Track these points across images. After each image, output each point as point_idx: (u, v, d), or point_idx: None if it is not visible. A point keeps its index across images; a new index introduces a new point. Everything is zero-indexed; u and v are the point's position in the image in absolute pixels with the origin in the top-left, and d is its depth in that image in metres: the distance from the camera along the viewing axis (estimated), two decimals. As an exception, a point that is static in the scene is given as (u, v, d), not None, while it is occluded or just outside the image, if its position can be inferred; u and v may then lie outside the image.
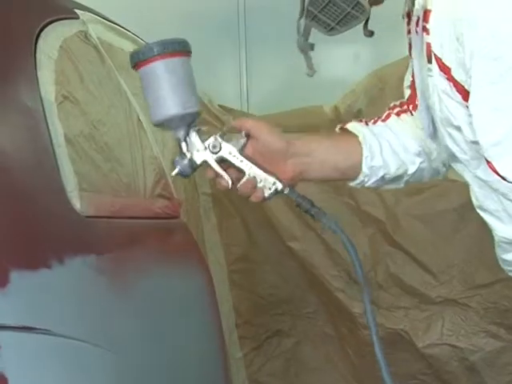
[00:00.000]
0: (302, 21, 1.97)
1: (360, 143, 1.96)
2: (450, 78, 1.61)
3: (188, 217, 2.81)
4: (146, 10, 4.79)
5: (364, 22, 1.92)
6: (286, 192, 1.93)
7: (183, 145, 1.99)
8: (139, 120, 2.60)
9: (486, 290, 3.05)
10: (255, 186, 1.94)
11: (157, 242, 2.46)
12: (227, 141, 1.99)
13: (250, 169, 1.96)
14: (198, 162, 1.99)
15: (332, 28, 1.91)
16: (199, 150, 1.98)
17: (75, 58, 2.28)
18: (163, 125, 2.01)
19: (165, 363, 2.19)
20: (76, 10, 2.48)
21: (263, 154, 1.96)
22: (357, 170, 1.97)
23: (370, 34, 2.01)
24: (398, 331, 3.15)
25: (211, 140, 1.99)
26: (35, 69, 2.05)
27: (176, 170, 2.00)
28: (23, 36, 2.11)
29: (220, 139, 1.99)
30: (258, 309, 3.46)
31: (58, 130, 2.00)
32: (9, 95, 1.96)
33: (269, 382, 3.47)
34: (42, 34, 2.15)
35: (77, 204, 1.96)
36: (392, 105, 2.09)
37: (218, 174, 1.99)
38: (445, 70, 1.63)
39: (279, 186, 1.93)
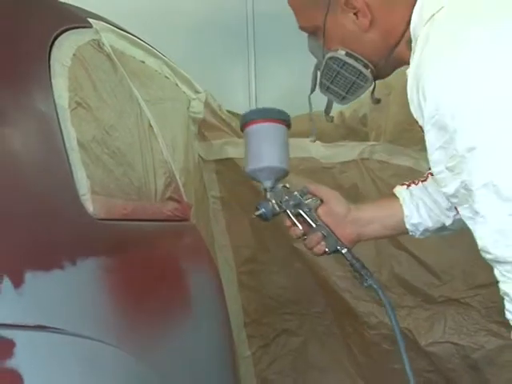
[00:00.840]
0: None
1: (401, 205, 2.26)
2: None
3: (198, 219, 2.82)
4: (159, 20, 4.80)
5: (372, 90, 2.13)
6: (343, 252, 2.24)
7: (269, 194, 2.24)
8: (150, 126, 2.60)
9: (487, 290, 3.05)
10: (319, 242, 2.23)
11: (167, 243, 2.46)
12: (304, 199, 2.26)
13: (319, 226, 2.24)
14: (279, 210, 2.25)
15: (344, 97, 2.11)
16: (282, 202, 2.24)
17: (88, 65, 2.29)
18: (255, 173, 2.25)
19: (176, 361, 2.19)
20: (89, 19, 2.49)
21: (329, 217, 2.25)
22: (403, 227, 2.27)
23: (377, 101, 2.23)
24: (402, 329, 3.14)
25: (293, 196, 2.25)
26: (49, 76, 2.06)
27: (259, 212, 2.26)
28: (38, 44, 2.12)
29: (300, 197, 2.25)
30: (266, 309, 3.46)
31: (71, 135, 2.01)
32: (24, 101, 1.97)
33: (276, 380, 3.47)
34: (56, 42, 2.16)
35: (89, 207, 1.97)
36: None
37: (293, 224, 2.27)
38: (421, 128, 1.77)
39: (339, 246, 2.24)
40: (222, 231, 3.43)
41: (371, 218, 2.27)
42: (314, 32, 2.04)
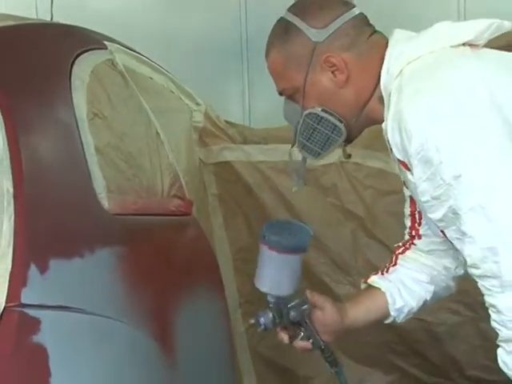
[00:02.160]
0: (294, 149, 2.07)
1: (384, 293, 2.10)
2: (407, 168, 1.76)
3: (198, 214, 2.81)
4: (165, 42, 4.80)
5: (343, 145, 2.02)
6: (323, 347, 2.11)
7: (271, 307, 2.06)
8: (157, 133, 2.60)
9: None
10: (307, 345, 2.11)
11: (172, 235, 2.46)
12: (302, 308, 2.07)
13: (308, 332, 2.07)
14: (278, 322, 2.06)
15: (319, 154, 1.98)
16: (283, 314, 2.05)
17: (104, 81, 2.29)
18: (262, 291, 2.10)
19: (180, 336, 2.20)
20: (105, 42, 2.49)
21: (323, 326, 2.09)
22: (387, 313, 2.12)
23: (348, 156, 2.10)
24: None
25: (295, 308, 2.05)
26: (70, 91, 2.06)
27: (259, 323, 2.08)
28: (61, 63, 2.12)
29: (301, 309, 2.07)
30: (257, 291, 3.46)
31: (89, 142, 2.01)
32: (48, 113, 1.97)
33: (266, 352, 3.46)
34: (76, 61, 2.16)
35: (105, 203, 1.97)
36: (396, 246, 2.21)
37: (284, 330, 2.10)
38: (406, 167, 1.75)
39: (322, 345, 2.10)
40: (219, 224, 3.42)
41: (360, 322, 2.16)
42: (292, 94, 1.94)
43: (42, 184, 1.77)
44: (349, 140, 1.97)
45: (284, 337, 2.08)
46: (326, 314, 2.08)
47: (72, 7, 4.77)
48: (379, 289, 2.11)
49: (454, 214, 1.66)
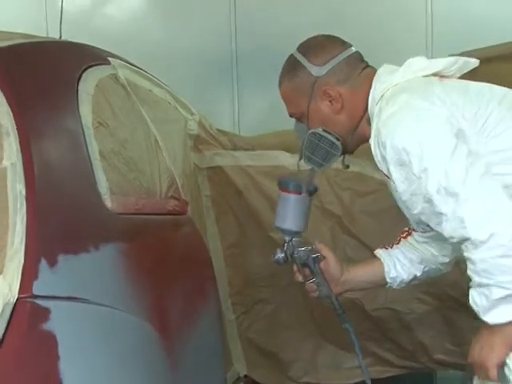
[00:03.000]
0: (302, 162, 2.27)
1: (382, 263, 2.32)
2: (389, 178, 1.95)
3: (193, 213, 2.82)
4: (163, 58, 4.79)
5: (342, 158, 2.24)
6: (332, 298, 2.26)
7: (286, 245, 2.27)
8: (156, 140, 2.60)
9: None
10: (316, 288, 2.29)
11: (169, 232, 2.46)
12: (311, 254, 2.28)
13: (318, 276, 2.26)
14: (290, 259, 2.28)
15: (321, 165, 2.20)
16: (293, 253, 2.26)
17: (107, 94, 2.29)
18: (279, 228, 2.30)
19: (178, 324, 2.19)
20: (109, 58, 2.49)
21: (327, 273, 2.28)
22: (383, 280, 2.34)
23: (346, 166, 2.33)
24: (353, 299, 3.15)
25: (303, 250, 2.26)
26: (77, 102, 2.06)
27: (274, 258, 2.30)
28: (69, 77, 2.12)
29: (309, 253, 2.27)
30: (246, 283, 3.46)
31: (94, 148, 2.01)
32: (57, 121, 1.97)
33: (255, 338, 3.47)
34: (83, 76, 2.16)
35: (109, 204, 1.97)
36: (402, 231, 2.38)
37: (298, 271, 2.31)
38: (387, 176, 1.95)
39: (330, 293, 2.27)
40: (212, 222, 3.42)
41: (359, 279, 2.34)
42: (300, 117, 2.17)
43: (52, 186, 1.76)
44: (346, 152, 2.20)
45: (299, 277, 2.29)
46: (329, 262, 2.26)
47: (79, 26, 4.76)
48: (379, 259, 2.31)
49: (428, 202, 1.82)
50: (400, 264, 2.29)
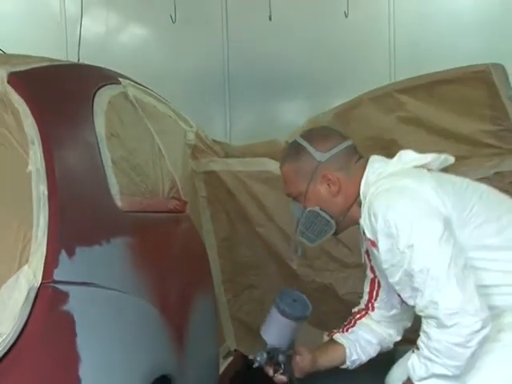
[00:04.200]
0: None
1: (344, 348, 2.16)
2: (374, 245, 1.88)
3: (191, 212, 2.81)
4: (166, 78, 4.77)
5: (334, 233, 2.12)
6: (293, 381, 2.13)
7: (264, 353, 2.09)
8: (159, 149, 2.60)
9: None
10: (286, 379, 2.11)
11: (170, 228, 2.46)
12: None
13: (288, 371, 2.10)
14: (269, 362, 2.10)
15: (314, 240, 2.10)
16: (273, 358, 2.09)
17: (118, 109, 2.29)
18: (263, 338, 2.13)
19: (177, 305, 2.20)
20: (119, 78, 2.49)
21: (300, 366, 2.13)
22: (343, 363, 2.17)
23: (338, 241, 2.34)
24: (327, 284, 3.14)
25: (282, 354, 2.10)
26: (92, 116, 2.06)
27: (257, 361, 2.10)
28: (85, 95, 2.12)
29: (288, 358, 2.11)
30: (236, 271, 3.45)
31: (106, 155, 2.02)
32: (75, 132, 1.98)
33: (244, 318, 3.44)
34: (97, 93, 2.17)
35: (118, 203, 1.98)
36: (354, 312, 2.28)
37: (273, 369, 2.11)
38: (372, 243, 1.88)
39: (294, 380, 2.12)
40: (207, 220, 3.41)
41: (322, 366, 2.19)
42: (297, 196, 2.06)
43: (70, 188, 1.77)
44: (336, 233, 2.10)
45: (269, 371, 2.12)
46: (303, 359, 2.14)
47: (95, 51, 4.77)
48: (341, 344, 2.17)
49: (408, 275, 1.77)
50: (360, 348, 2.17)
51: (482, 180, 3.10)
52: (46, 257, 1.54)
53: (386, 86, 3.49)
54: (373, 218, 1.82)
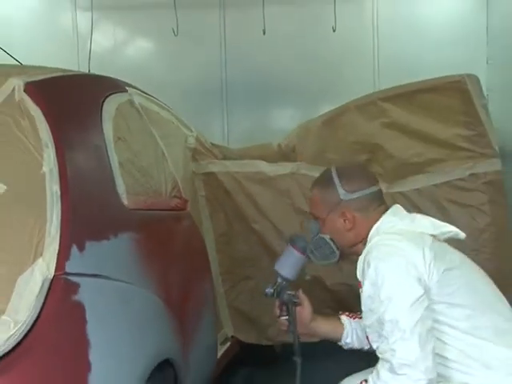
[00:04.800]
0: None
1: (343, 329, 2.19)
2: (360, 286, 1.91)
3: (192, 210, 2.82)
4: (168, 86, 4.77)
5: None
6: (295, 335, 2.15)
7: (277, 284, 2.14)
8: (162, 152, 2.60)
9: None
10: (287, 324, 2.15)
11: (173, 224, 2.46)
12: (293, 298, 2.16)
13: (291, 316, 2.14)
14: (276, 296, 2.14)
15: (318, 260, 2.09)
16: (280, 293, 2.14)
17: (125, 115, 2.30)
18: (277, 273, 2.17)
19: (180, 296, 2.20)
20: (126, 87, 2.50)
21: (299, 317, 2.14)
22: (339, 340, 2.20)
23: (340, 267, 2.33)
24: (316, 277, 3.14)
25: (288, 294, 2.15)
26: (101, 121, 2.07)
27: (265, 291, 2.15)
28: (95, 102, 2.13)
29: (291, 297, 2.15)
30: (233, 264, 3.44)
31: (114, 158, 2.02)
32: (85, 136, 1.98)
33: (240, 306, 3.42)
34: (106, 101, 2.17)
35: (125, 201, 1.98)
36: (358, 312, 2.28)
37: (279, 306, 2.16)
38: (360, 285, 1.90)
39: (296, 331, 2.14)
40: (206, 217, 3.40)
41: (320, 331, 2.20)
42: (317, 218, 2.06)
43: (81, 188, 1.77)
44: (338, 260, 2.10)
45: (276, 312, 2.16)
46: (304, 308, 2.15)
47: (104, 63, 4.77)
48: (343, 324, 2.20)
49: (379, 322, 1.79)
50: (356, 336, 2.19)
51: (457, 181, 3.18)
52: (59, 251, 1.55)
53: (371, 94, 3.51)
54: (366, 265, 1.84)
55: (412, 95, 3.24)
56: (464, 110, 3.13)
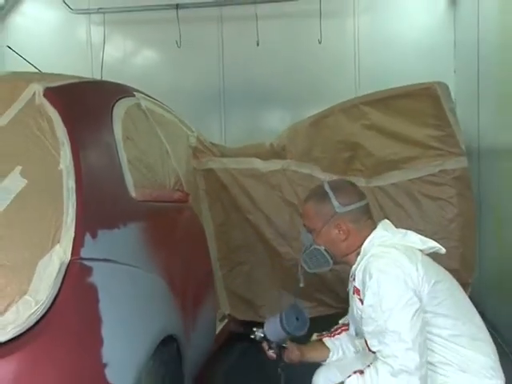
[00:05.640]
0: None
1: (329, 350, 2.17)
2: (361, 298, 1.83)
3: (193, 202, 2.82)
4: (171, 92, 4.75)
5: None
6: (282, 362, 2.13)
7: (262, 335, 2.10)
8: (166, 150, 2.60)
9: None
10: (274, 356, 2.12)
11: (176, 215, 2.46)
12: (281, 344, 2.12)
13: (280, 356, 2.11)
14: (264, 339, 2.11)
15: (312, 269, 2.05)
16: (270, 341, 2.11)
17: (133, 117, 2.29)
18: (266, 331, 2.11)
19: (182, 279, 2.20)
20: (134, 92, 2.49)
21: (287, 356, 2.13)
22: (327, 359, 2.16)
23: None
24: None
25: (276, 345, 2.11)
26: (112, 123, 2.06)
27: (255, 335, 2.11)
28: (106, 106, 2.13)
29: (279, 349, 2.12)
30: (230, 250, 3.45)
31: (123, 155, 2.02)
32: (98, 136, 1.98)
33: (236, 289, 3.43)
34: (116, 104, 2.17)
35: (133, 194, 1.98)
36: (342, 324, 2.25)
37: (268, 345, 2.13)
38: (356, 290, 1.85)
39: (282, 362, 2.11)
40: (206, 209, 3.40)
41: (310, 360, 2.17)
42: (311, 230, 1.99)
43: (94, 182, 1.77)
44: (331, 268, 2.06)
45: (265, 346, 2.13)
46: (291, 351, 2.14)
47: (115, 71, 4.79)
48: (327, 347, 2.18)
49: (381, 330, 1.74)
50: (342, 351, 2.17)
51: (428, 176, 3.19)
52: (74, 238, 1.55)
53: (353, 99, 3.52)
54: (367, 276, 1.78)
55: (389, 100, 3.25)
56: (435, 114, 3.15)
